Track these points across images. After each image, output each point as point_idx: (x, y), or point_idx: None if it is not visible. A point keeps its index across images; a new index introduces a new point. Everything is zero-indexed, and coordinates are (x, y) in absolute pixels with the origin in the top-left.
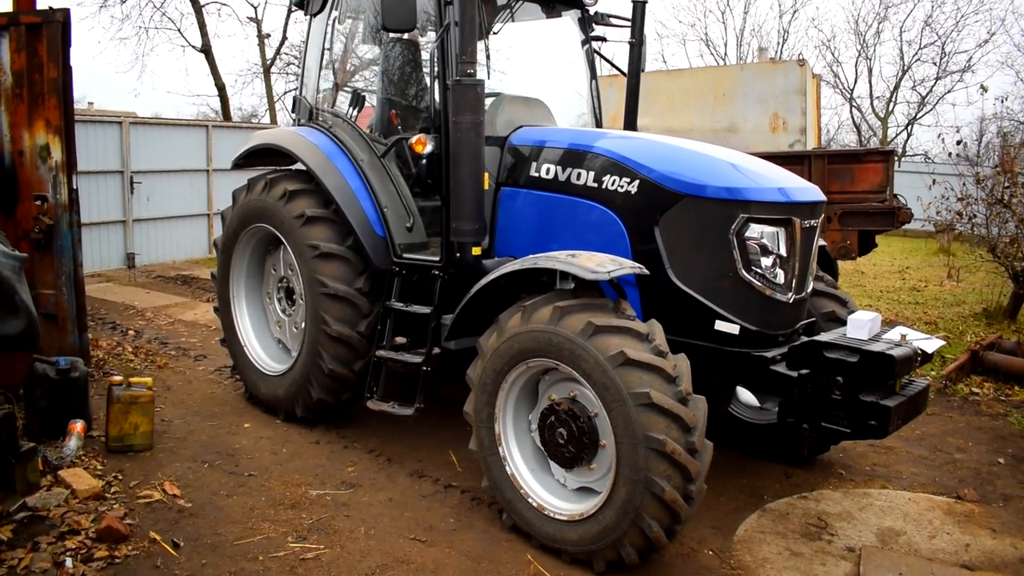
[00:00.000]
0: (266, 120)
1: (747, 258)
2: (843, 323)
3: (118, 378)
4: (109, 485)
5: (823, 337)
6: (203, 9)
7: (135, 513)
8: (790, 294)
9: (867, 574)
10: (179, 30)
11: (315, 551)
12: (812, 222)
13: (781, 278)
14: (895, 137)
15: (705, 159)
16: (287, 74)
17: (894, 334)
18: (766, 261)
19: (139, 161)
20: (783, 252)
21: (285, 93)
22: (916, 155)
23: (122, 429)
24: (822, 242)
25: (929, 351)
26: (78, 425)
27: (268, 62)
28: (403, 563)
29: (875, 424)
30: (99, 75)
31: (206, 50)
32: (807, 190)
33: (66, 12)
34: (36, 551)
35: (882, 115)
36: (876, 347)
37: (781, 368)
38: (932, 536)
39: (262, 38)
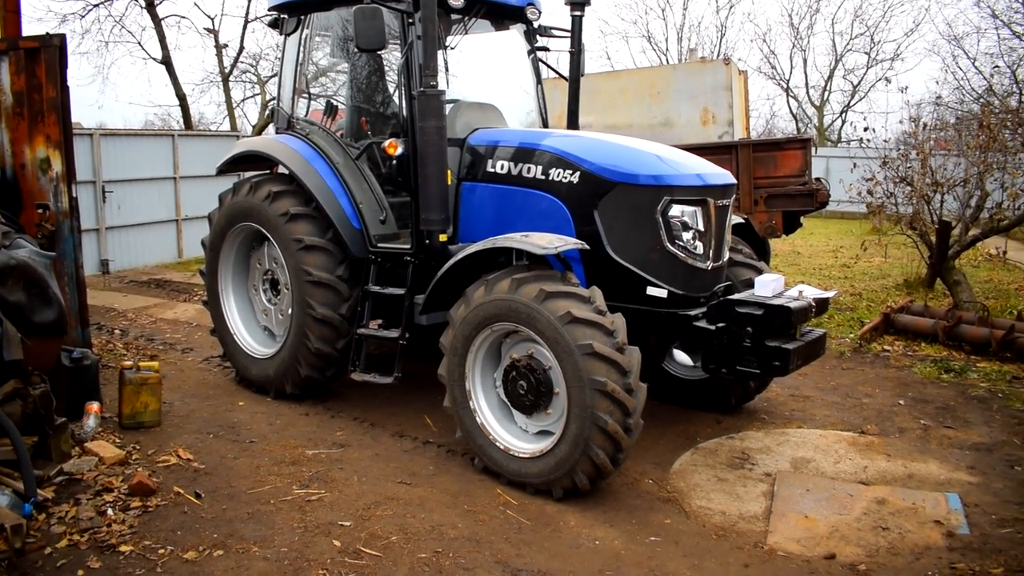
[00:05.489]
0: (225, 127)
1: (671, 233)
2: None
3: (128, 363)
4: (130, 454)
5: (735, 296)
6: (163, 22)
7: (157, 474)
8: (708, 262)
9: (780, 491)
10: (139, 43)
11: (317, 495)
12: (724, 201)
13: (700, 249)
14: (831, 124)
15: (635, 152)
16: (243, 82)
17: (793, 291)
18: (687, 235)
19: (109, 171)
20: (701, 227)
21: (243, 100)
22: (852, 141)
23: (134, 408)
24: (738, 219)
25: (824, 299)
26: (95, 406)
27: (227, 71)
28: (393, 500)
29: (779, 364)
30: None
31: (166, 61)
32: (720, 175)
33: (62, 37)
34: (79, 505)
35: (818, 104)
36: (777, 301)
37: (702, 324)
38: (837, 462)
39: (220, 48)
